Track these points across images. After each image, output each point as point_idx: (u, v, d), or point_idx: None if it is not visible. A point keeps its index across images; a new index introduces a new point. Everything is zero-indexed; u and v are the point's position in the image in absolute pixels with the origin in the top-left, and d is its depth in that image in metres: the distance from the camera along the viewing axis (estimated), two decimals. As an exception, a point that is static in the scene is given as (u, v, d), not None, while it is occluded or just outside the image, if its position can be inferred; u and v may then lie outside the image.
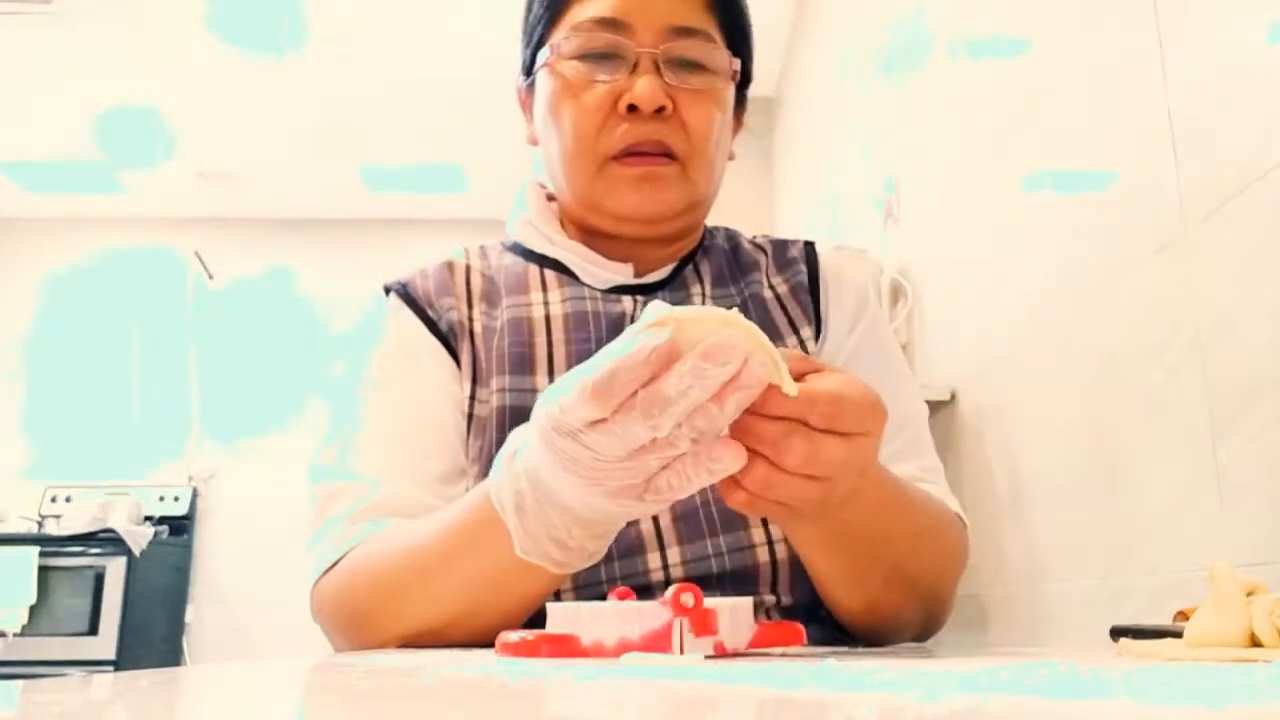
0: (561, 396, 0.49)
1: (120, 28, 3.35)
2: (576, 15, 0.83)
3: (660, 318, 0.46)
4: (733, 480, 0.52)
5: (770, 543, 0.75)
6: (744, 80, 0.89)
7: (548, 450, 0.51)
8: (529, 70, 0.89)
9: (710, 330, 0.46)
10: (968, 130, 1.68)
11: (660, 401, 0.46)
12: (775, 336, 0.85)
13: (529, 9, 0.89)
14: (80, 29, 3.33)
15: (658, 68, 0.81)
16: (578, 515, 0.54)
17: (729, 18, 0.86)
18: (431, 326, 0.83)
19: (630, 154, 0.81)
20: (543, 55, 0.85)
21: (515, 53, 0.91)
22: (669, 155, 0.82)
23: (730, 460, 0.49)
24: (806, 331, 0.86)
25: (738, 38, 0.87)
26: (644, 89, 0.79)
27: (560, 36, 0.83)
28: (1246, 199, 0.92)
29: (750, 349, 0.46)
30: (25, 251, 4.77)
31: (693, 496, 0.74)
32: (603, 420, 0.47)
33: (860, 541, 0.66)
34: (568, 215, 0.89)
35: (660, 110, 0.80)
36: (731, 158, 0.91)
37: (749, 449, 0.50)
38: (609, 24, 0.81)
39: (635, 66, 0.81)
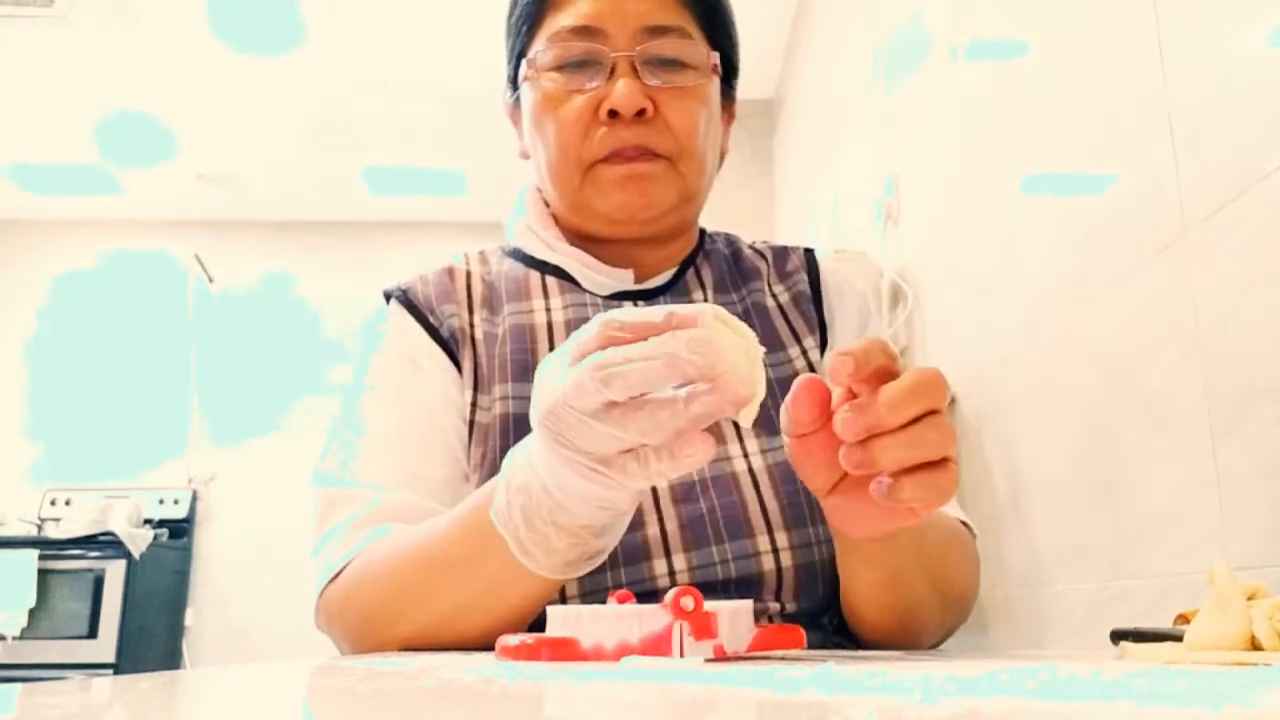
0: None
1: (121, 30, 3.35)
2: (552, 25, 0.82)
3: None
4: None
5: (775, 550, 0.75)
6: (729, 72, 0.88)
7: (543, 440, 0.53)
8: (514, 83, 0.88)
9: (703, 322, 0.46)
10: (968, 131, 1.68)
11: (620, 358, 0.47)
12: (779, 346, 0.85)
13: (508, 20, 0.88)
14: (81, 31, 3.33)
15: (635, 70, 0.80)
16: (572, 519, 0.55)
17: (705, 11, 0.85)
18: (433, 333, 0.83)
19: (615, 157, 0.81)
20: (523, 69, 0.84)
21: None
22: (655, 156, 0.81)
23: (700, 451, 0.48)
24: (809, 341, 0.86)
25: (716, 31, 0.85)
26: (622, 93, 0.78)
27: (537, 49, 0.82)
28: (1247, 200, 0.92)
29: (731, 363, 0.46)
30: (26, 253, 4.76)
31: (699, 504, 0.74)
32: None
33: (905, 562, 0.68)
34: (563, 225, 0.89)
35: (642, 113, 0.79)
36: (725, 152, 0.91)
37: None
38: (583, 32, 0.80)
39: (613, 71, 0.80)
